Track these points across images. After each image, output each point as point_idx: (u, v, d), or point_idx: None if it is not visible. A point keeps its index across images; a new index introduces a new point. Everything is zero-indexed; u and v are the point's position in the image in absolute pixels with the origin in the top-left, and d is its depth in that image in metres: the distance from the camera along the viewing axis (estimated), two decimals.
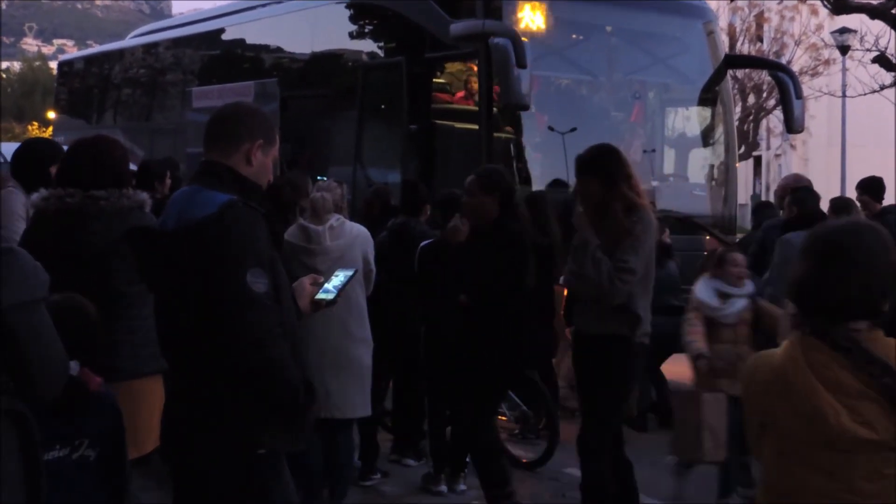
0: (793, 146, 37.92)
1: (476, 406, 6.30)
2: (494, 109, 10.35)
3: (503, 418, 8.27)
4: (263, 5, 16.03)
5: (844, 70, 24.57)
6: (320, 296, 3.83)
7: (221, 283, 3.29)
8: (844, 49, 23.95)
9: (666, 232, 9.44)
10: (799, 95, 11.42)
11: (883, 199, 9.46)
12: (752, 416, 2.94)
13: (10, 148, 10.17)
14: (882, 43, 16.96)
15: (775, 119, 29.57)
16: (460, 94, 11.20)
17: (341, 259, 6.32)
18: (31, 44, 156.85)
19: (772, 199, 11.35)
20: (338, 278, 3.91)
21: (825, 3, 15.95)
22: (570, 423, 8.82)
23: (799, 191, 7.55)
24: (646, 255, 5.65)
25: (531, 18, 10.41)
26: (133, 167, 8.38)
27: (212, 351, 3.35)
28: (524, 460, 8.09)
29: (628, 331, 5.68)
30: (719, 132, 12.17)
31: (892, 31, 16.06)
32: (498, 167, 7.08)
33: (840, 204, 9.21)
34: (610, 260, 5.55)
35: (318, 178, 8.26)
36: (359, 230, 6.71)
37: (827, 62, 30.03)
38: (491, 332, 6.13)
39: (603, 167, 5.73)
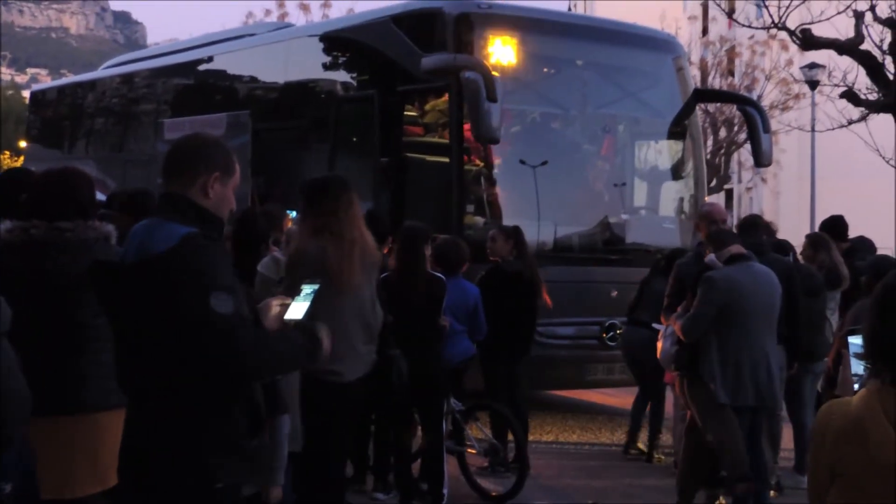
0: (764, 180, 38.20)
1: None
2: (465, 143, 10.40)
3: (472, 451, 8.25)
4: (237, 37, 16.09)
5: (814, 105, 24.80)
6: (289, 316, 3.79)
7: (186, 311, 3.28)
8: (813, 84, 24.18)
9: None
10: (767, 130, 11.54)
11: (847, 237, 9.54)
12: (822, 463, 2.84)
13: None
14: (850, 78, 17.13)
15: (746, 153, 29.77)
16: (432, 127, 11.25)
17: None
18: (4, 72, 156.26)
19: None
20: (304, 294, 3.83)
21: (794, 38, 16.11)
22: (539, 457, 8.85)
23: (711, 234, 7.55)
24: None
25: (502, 52, 10.50)
26: (102, 197, 8.36)
27: (172, 383, 3.35)
28: (493, 493, 8.07)
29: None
30: (689, 165, 12.27)
31: (860, 67, 16.24)
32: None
33: (817, 240, 9.27)
34: None
35: (288, 211, 8.25)
36: None
37: (797, 97, 30.33)
38: None
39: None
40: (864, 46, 15.87)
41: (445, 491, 7.63)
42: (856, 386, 3.66)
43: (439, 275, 7.55)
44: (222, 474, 3.40)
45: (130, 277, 3.42)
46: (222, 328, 3.28)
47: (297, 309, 3.77)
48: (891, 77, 15.85)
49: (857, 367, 4.06)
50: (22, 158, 34.05)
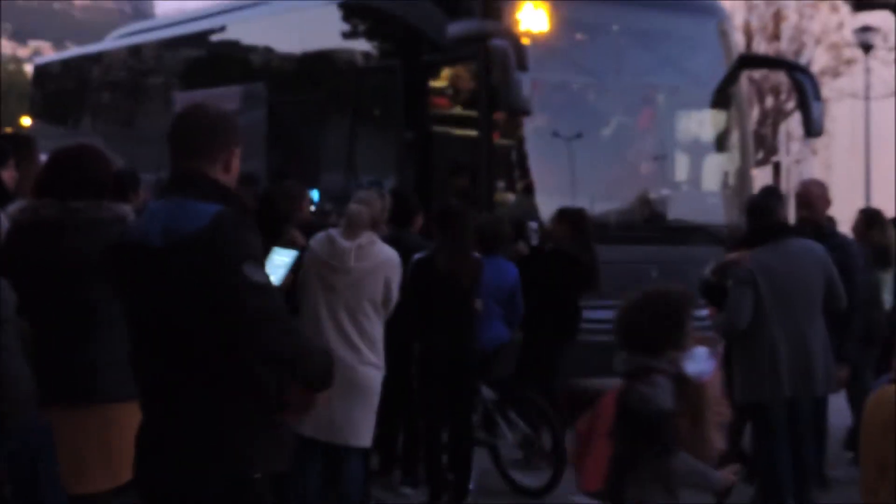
0: (814, 151, 37.87)
1: None
2: (494, 115, 10.38)
3: (505, 443, 8.24)
4: (251, 6, 16.08)
5: (867, 70, 24.60)
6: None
7: (220, 281, 3.28)
8: (867, 48, 23.99)
9: None
10: (818, 97, 11.45)
11: None
12: (869, 458, 2.84)
13: None
14: None
15: (795, 123, 29.57)
16: (459, 98, 11.23)
17: (361, 282, 6.33)
18: (5, 45, 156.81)
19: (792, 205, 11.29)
20: (281, 258, 3.78)
21: None
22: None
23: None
24: None
25: (533, 18, 10.44)
26: None
27: (205, 368, 3.34)
28: (529, 487, 8.07)
29: None
30: (734, 137, 12.19)
31: None
32: None
33: (872, 216, 9.17)
34: None
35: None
36: (387, 255, 6.66)
37: (849, 62, 30.04)
38: None
39: None
40: None
41: (472, 485, 7.63)
42: None
43: (476, 255, 7.56)
44: (260, 463, 3.38)
45: (162, 260, 3.35)
46: (260, 292, 3.31)
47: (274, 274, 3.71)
48: None
49: None
50: None
